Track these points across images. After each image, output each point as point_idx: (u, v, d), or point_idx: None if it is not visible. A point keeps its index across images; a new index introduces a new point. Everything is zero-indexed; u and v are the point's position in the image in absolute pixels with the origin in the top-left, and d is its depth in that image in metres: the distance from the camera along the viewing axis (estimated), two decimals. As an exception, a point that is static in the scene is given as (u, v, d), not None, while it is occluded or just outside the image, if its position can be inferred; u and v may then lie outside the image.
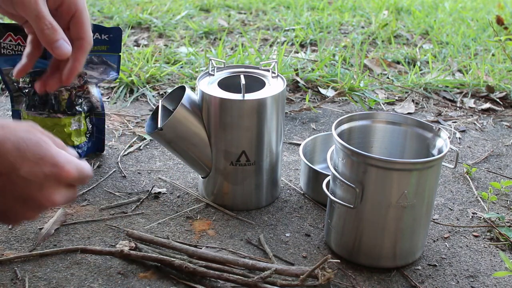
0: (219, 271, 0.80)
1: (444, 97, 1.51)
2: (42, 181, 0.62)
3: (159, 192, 1.01)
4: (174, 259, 0.81)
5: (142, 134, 1.21)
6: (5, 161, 0.60)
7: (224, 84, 0.94)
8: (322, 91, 1.48)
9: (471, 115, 1.42)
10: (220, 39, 1.85)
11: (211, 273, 0.79)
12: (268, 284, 0.78)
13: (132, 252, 0.82)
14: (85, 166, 0.68)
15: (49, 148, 0.63)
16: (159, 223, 0.93)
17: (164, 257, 0.81)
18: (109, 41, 1.08)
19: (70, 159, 0.65)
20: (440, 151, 0.84)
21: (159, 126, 0.90)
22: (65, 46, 0.75)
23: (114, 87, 1.44)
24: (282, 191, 1.04)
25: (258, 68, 0.99)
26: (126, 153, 1.14)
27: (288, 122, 1.31)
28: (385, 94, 1.51)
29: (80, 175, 0.66)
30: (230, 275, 0.79)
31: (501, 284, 0.84)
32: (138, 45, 1.82)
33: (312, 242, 0.91)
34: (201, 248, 0.86)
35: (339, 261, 0.84)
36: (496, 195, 1.06)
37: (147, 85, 1.44)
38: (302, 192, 1.04)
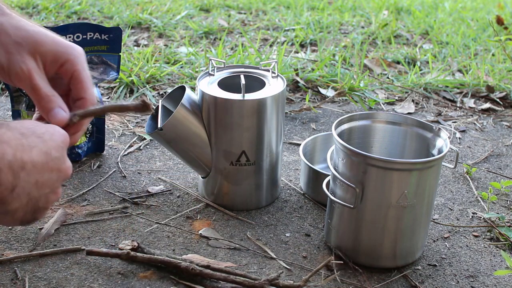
0: (225, 273, 0.80)
1: (444, 97, 1.51)
2: (63, 154, 0.66)
3: (159, 192, 1.01)
4: (180, 262, 0.81)
5: (142, 134, 1.21)
6: (46, 152, 0.64)
7: (224, 84, 0.94)
8: (322, 91, 1.48)
9: (471, 115, 1.42)
10: (220, 39, 1.85)
11: (217, 275, 0.79)
12: (272, 285, 0.78)
13: (138, 254, 0.82)
14: None
15: (58, 130, 0.68)
16: (159, 223, 0.93)
17: (170, 259, 0.81)
18: (109, 41, 1.08)
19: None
20: (440, 151, 0.84)
21: (159, 126, 0.90)
22: (60, 114, 0.76)
23: (114, 87, 1.44)
24: (282, 191, 1.04)
25: (258, 68, 0.99)
26: (126, 153, 1.14)
27: (288, 122, 1.31)
28: (385, 94, 1.51)
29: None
30: (236, 277, 0.79)
31: (501, 284, 0.84)
32: (138, 45, 1.82)
33: (312, 242, 0.91)
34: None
35: (342, 262, 0.84)
36: (496, 195, 1.06)
37: (147, 85, 1.44)
38: (302, 192, 1.04)
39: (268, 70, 0.98)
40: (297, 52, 1.78)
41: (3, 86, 1.36)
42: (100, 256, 0.83)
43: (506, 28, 2.05)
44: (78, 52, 0.75)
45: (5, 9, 0.76)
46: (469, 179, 1.12)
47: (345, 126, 0.89)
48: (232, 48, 1.81)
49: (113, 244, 0.87)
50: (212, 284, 0.79)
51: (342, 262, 0.85)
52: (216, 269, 0.80)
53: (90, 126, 1.11)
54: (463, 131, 1.33)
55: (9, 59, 0.74)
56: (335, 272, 0.82)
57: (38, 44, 0.74)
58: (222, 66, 0.98)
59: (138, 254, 0.82)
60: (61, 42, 0.75)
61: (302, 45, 1.88)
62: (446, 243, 0.93)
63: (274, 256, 0.86)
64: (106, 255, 0.83)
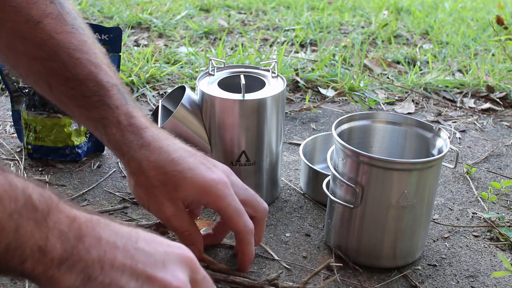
0: (225, 273, 0.80)
1: (444, 97, 1.51)
2: (164, 256, 0.57)
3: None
4: None
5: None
6: (119, 232, 0.56)
7: (224, 84, 0.94)
8: (322, 91, 1.48)
9: (471, 115, 1.42)
10: (220, 39, 1.85)
11: (217, 275, 0.79)
12: (271, 286, 0.78)
13: None
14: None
15: (162, 237, 0.61)
16: (159, 223, 0.93)
17: None
18: (109, 41, 1.08)
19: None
20: (440, 151, 0.84)
21: (159, 126, 0.90)
22: (195, 251, 0.74)
23: (114, 87, 1.44)
24: (282, 191, 1.04)
25: (258, 68, 0.99)
26: (126, 153, 1.14)
27: (288, 122, 1.31)
28: (385, 94, 1.51)
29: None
30: (236, 277, 0.79)
31: (501, 284, 0.84)
32: (138, 45, 1.82)
33: (312, 242, 0.91)
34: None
35: (341, 265, 0.84)
36: (496, 195, 1.06)
37: (147, 85, 1.44)
38: (302, 192, 1.04)
39: (268, 70, 0.98)
40: (297, 52, 1.78)
41: (3, 86, 1.36)
42: None
43: (506, 28, 2.05)
44: (220, 188, 0.74)
45: (146, 136, 0.75)
46: (469, 179, 1.12)
47: (345, 126, 0.89)
48: (232, 48, 1.81)
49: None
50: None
51: (341, 264, 0.85)
52: (216, 269, 0.81)
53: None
54: (463, 131, 1.33)
55: (149, 200, 0.76)
56: (335, 273, 0.82)
57: (178, 189, 0.74)
58: (222, 66, 0.98)
59: None
60: (202, 181, 0.74)
61: (302, 45, 1.88)
62: (446, 243, 0.93)
63: (276, 257, 0.86)
64: None
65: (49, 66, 0.77)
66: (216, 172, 0.76)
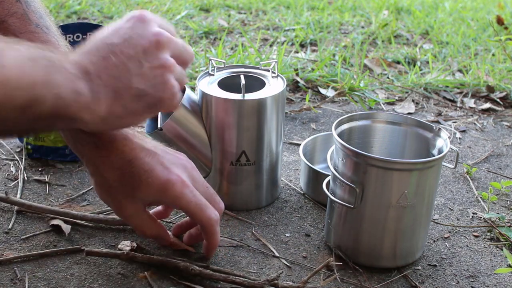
0: (225, 273, 0.80)
1: (444, 97, 1.51)
2: (135, 31, 0.66)
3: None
4: (180, 262, 0.81)
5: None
6: (98, 48, 0.66)
7: (224, 84, 0.94)
8: (322, 91, 1.48)
9: (471, 115, 1.42)
10: (220, 39, 1.85)
11: (217, 275, 0.79)
12: (271, 286, 0.78)
13: (137, 254, 0.82)
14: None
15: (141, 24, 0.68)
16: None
17: (169, 259, 0.81)
18: (109, 41, 1.08)
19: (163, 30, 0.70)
20: (440, 151, 0.84)
21: (159, 126, 0.90)
22: (162, 241, 0.84)
23: (114, 87, 1.44)
24: (282, 191, 1.04)
25: (258, 68, 0.99)
26: (126, 153, 1.14)
27: (288, 122, 1.31)
28: (385, 94, 1.51)
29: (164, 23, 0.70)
30: (236, 277, 0.79)
31: (501, 284, 0.84)
32: (138, 45, 1.81)
33: (312, 242, 0.91)
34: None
35: (341, 263, 0.84)
36: (496, 195, 1.06)
37: (147, 85, 1.44)
38: (302, 192, 1.04)
39: (268, 70, 0.98)
40: (297, 52, 1.78)
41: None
42: (100, 256, 0.83)
43: (506, 28, 2.05)
44: (177, 189, 0.75)
45: (103, 137, 0.76)
46: (469, 179, 1.12)
47: (345, 126, 0.89)
48: (232, 48, 1.81)
49: (113, 244, 0.87)
50: (212, 284, 0.79)
51: (341, 263, 0.85)
52: (215, 269, 0.80)
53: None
54: (463, 131, 1.33)
55: (108, 200, 0.79)
56: (335, 272, 0.82)
57: (135, 190, 0.75)
58: (222, 66, 0.98)
59: (137, 254, 0.82)
60: (157, 183, 0.75)
61: (302, 45, 1.88)
62: (446, 243, 0.92)
63: (277, 254, 0.86)
64: (106, 255, 0.83)
65: None
66: (173, 172, 0.75)
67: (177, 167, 0.77)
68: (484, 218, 0.99)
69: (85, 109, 0.62)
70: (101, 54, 0.64)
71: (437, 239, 0.93)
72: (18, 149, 1.12)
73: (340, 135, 0.84)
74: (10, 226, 0.90)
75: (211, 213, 0.78)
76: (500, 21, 2.09)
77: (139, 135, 0.79)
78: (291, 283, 0.78)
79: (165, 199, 0.77)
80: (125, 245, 0.84)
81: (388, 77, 1.62)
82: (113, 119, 0.66)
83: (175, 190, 0.75)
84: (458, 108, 1.45)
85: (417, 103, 1.47)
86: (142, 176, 0.74)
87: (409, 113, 1.40)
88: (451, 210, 1.02)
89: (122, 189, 0.75)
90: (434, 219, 0.98)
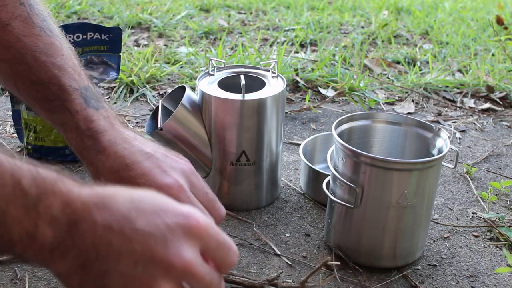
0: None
1: (444, 97, 1.51)
2: (166, 234, 0.51)
3: (159, 192, 1.01)
4: None
5: (142, 134, 1.21)
6: (117, 214, 0.51)
7: (224, 84, 0.94)
8: (322, 91, 1.48)
9: (471, 115, 1.42)
10: (220, 39, 1.85)
11: None
12: (271, 285, 0.78)
13: None
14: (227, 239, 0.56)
15: (168, 200, 0.55)
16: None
17: None
18: (109, 41, 1.08)
19: (198, 210, 0.55)
20: (440, 151, 0.84)
21: (159, 126, 0.90)
22: None
23: (114, 87, 1.44)
24: (282, 191, 1.04)
25: (258, 68, 0.99)
26: (126, 153, 1.14)
27: (288, 122, 1.31)
28: (385, 94, 1.51)
29: (221, 241, 0.55)
30: (236, 277, 0.79)
31: (501, 284, 0.84)
32: (138, 45, 1.82)
33: (312, 242, 0.91)
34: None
35: (339, 263, 0.84)
36: (496, 195, 1.06)
37: (147, 85, 1.44)
38: (302, 192, 1.04)
39: (268, 70, 0.98)
40: (297, 52, 1.78)
41: (3, 86, 1.36)
42: None
43: (506, 28, 2.05)
44: (174, 193, 0.72)
45: (103, 141, 0.75)
46: (469, 179, 1.12)
47: (345, 126, 0.89)
48: (232, 48, 1.81)
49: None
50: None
51: (339, 263, 0.85)
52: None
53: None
54: (463, 131, 1.33)
55: None
56: (335, 271, 0.83)
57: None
58: (222, 66, 0.98)
59: None
60: (154, 187, 0.69)
61: (302, 45, 1.88)
62: (446, 243, 0.93)
63: (278, 252, 0.86)
64: None
65: (16, 69, 0.77)
66: (171, 176, 0.74)
67: (175, 171, 0.75)
68: (484, 218, 0.99)
69: (31, 253, 0.50)
70: (110, 221, 0.51)
71: (437, 239, 0.93)
72: (18, 149, 1.12)
73: (340, 135, 0.84)
74: None
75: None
76: (500, 21, 2.09)
77: (139, 137, 0.78)
78: (290, 282, 0.78)
79: None
80: None
81: (388, 77, 1.62)
82: (60, 280, 0.53)
83: (171, 195, 0.72)
84: (458, 108, 1.45)
85: (417, 103, 1.47)
86: (139, 179, 0.73)
87: (409, 113, 1.40)
88: (451, 210, 1.02)
89: None
90: (434, 219, 0.98)
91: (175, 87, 0.98)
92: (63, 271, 0.51)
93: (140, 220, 0.51)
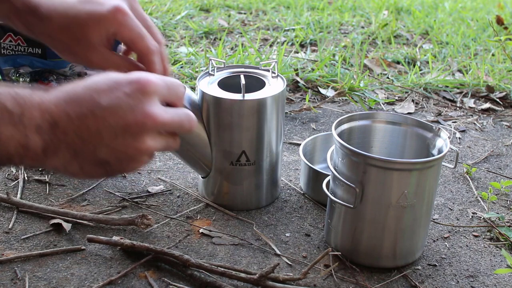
0: (223, 267, 0.80)
1: (444, 97, 1.51)
2: (128, 101, 0.60)
3: (159, 192, 1.01)
4: (178, 254, 0.81)
5: None
6: (83, 102, 0.60)
7: (224, 84, 0.94)
8: (322, 91, 1.48)
9: (471, 115, 1.42)
10: (220, 39, 1.85)
11: (215, 269, 0.79)
12: (271, 280, 0.78)
13: (136, 243, 0.83)
14: (174, 81, 0.67)
15: (116, 74, 0.62)
16: (159, 223, 0.93)
17: (167, 250, 0.82)
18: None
19: (148, 73, 0.64)
20: (440, 151, 0.84)
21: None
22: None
23: (114, 87, 1.44)
24: (282, 191, 1.04)
25: (258, 68, 0.99)
26: (126, 153, 1.14)
27: (288, 122, 1.31)
28: (385, 94, 1.51)
29: (169, 85, 0.65)
30: (234, 272, 0.79)
31: (501, 284, 0.84)
32: (138, 45, 1.81)
33: (312, 242, 0.91)
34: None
35: (340, 253, 0.85)
36: (496, 195, 1.06)
37: (147, 85, 1.44)
38: (302, 192, 1.04)
39: (268, 70, 0.98)
40: (297, 52, 1.78)
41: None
42: (101, 244, 0.85)
43: (506, 28, 2.05)
44: (119, 17, 0.74)
45: (41, 5, 0.75)
46: (469, 179, 1.12)
47: (345, 126, 0.89)
48: (232, 48, 1.81)
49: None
50: (211, 279, 0.79)
51: (339, 253, 0.85)
52: (214, 264, 0.81)
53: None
54: (463, 131, 1.33)
55: (75, 58, 0.79)
56: (331, 265, 0.83)
57: (84, 31, 0.74)
58: (222, 66, 0.98)
59: (136, 243, 0.84)
60: (99, 14, 0.73)
61: (302, 45, 1.88)
62: (446, 243, 0.93)
63: (278, 252, 0.86)
64: (107, 243, 0.85)
65: None
66: (110, 2, 0.75)
67: None
68: (483, 218, 0.99)
69: (28, 159, 0.59)
70: (81, 110, 0.59)
71: (437, 239, 0.93)
72: None
73: (340, 135, 0.84)
74: (10, 226, 0.90)
75: (149, 43, 0.77)
76: (500, 21, 2.09)
77: None
78: (291, 274, 0.78)
79: (111, 28, 0.75)
80: (124, 240, 0.85)
81: (388, 77, 1.62)
82: (64, 172, 0.63)
83: (116, 18, 0.74)
84: (458, 108, 1.45)
85: (417, 103, 1.47)
86: (87, 19, 0.74)
87: (409, 113, 1.40)
88: (451, 210, 1.02)
89: (77, 42, 0.75)
90: (434, 219, 0.98)
91: (175, 87, 0.97)
92: (60, 165, 0.61)
93: (103, 99, 0.60)
